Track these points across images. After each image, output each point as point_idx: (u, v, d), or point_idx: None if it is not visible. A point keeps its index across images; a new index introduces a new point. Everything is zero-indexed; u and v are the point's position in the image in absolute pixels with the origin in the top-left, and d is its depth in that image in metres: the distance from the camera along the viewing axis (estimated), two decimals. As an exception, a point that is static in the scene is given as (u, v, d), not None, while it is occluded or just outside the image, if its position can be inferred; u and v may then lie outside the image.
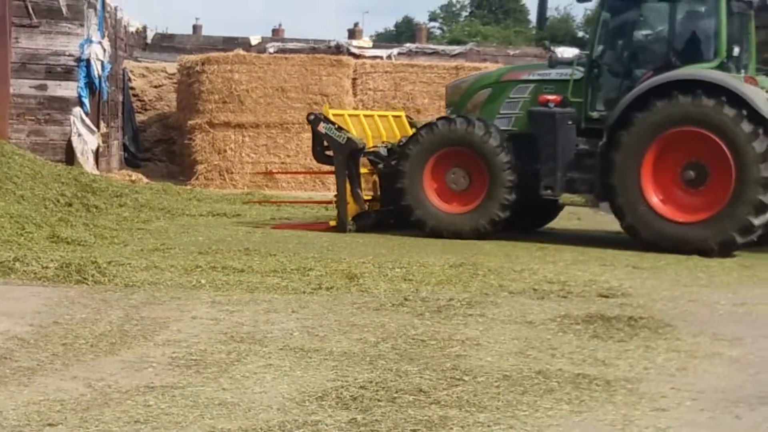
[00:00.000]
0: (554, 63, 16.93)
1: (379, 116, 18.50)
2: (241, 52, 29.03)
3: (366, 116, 18.14)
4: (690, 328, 9.32)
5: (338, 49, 33.34)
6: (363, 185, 17.06)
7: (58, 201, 16.65)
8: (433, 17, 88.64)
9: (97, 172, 21.56)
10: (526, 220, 17.32)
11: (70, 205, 16.55)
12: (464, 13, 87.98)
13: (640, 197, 15.35)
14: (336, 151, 16.72)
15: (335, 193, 17.04)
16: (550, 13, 76.41)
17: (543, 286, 11.26)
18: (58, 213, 15.42)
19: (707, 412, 6.61)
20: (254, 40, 34.95)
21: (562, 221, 19.62)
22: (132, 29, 32.79)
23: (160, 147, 30.91)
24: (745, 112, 14.86)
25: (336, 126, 16.65)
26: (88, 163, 22.23)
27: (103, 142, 24.13)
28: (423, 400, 6.62)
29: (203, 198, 21.30)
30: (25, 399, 6.40)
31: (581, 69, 16.49)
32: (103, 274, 10.87)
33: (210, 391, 6.71)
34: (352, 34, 45.22)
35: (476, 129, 16.22)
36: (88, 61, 23.10)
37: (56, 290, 10.23)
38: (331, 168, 17.14)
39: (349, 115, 17.68)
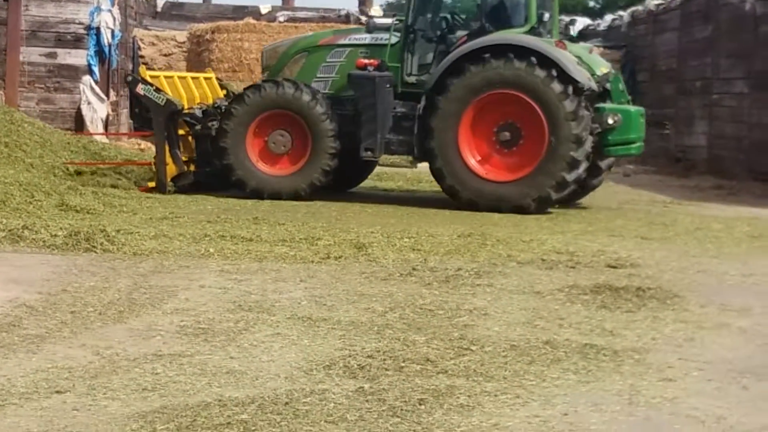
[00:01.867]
0: (372, 28, 17.36)
1: (192, 78, 18.25)
2: (251, 20, 28.99)
3: (180, 78, 17.91)
4: (698, 298, 9.31)
5: (348, 18, 33.20)
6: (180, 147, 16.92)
7: (67, 169, 16.66)
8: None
9: (106, 141, 21.54)
10: (340, 182, 17.41)
11: (79, 173, 16.59)
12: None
13: (458, 159, 15.84)
14: (155, 113, 16.54)
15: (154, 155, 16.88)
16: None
17: (551, 257, 11.25)
18: (67, 181, 15.42)
19: (714, 383, 6.62)
20: (264, 9, 34.82)
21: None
22: (142, -4, 32.72)
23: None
24: (554, 73, 15.47)
25: (154, 87, 16.52)
26: (97, 132, 22.22)
27: (113, 110, 24.11)
28: (430, 369, 6.63)
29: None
30: (34, 366, 6.42)
31: (397, 34, 16.75)
32: (111, 242, 10.88)
33: (218, 359, 6.73)
34: (363, 2, 44.99)
35: (304, 94, 16.36)
36: (98, 29, 23.07)
37: (65, 258, 10.25)
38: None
39: (165, 77, 17.46)
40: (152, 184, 16.52)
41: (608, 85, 16.86)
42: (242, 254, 10.79)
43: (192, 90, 17.68)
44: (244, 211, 14.53)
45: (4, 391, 5.93)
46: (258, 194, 16.28)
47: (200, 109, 17.17)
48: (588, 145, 15.72)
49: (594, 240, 12.85)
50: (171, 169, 16.54)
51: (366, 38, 17.15)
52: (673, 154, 26.95)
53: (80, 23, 22.63)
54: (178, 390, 6.05)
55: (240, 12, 33.65)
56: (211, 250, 10.93)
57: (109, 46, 23.69)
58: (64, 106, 22.38)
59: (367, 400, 5.96)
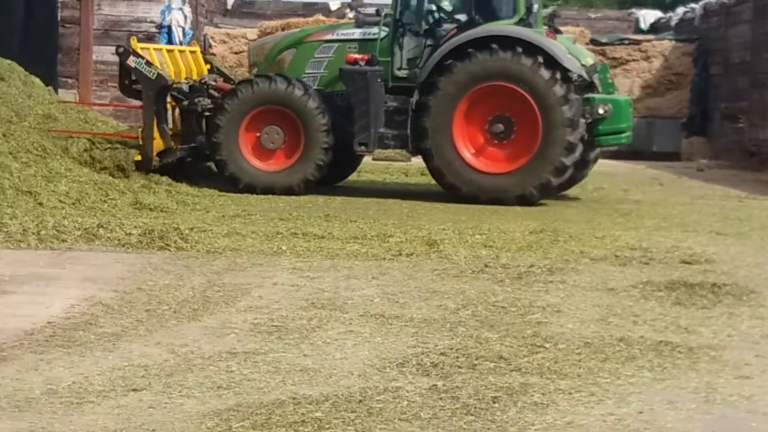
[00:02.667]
0: (361, 23, 17.38)
1: (179, 51, 18.09)
2: (321, 17, 29.04)
3: (168, 51, 17.75)
4: (775, 295, 9.20)
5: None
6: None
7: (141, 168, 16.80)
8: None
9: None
10: (329, 176, 17.23)
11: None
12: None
13: (455, 156, 15.92)
14: (145, 87, 16.42)
15: (141, 127, 16.73)
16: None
17: (625, 253, 11.17)
18: (141, 180, 15.56)
19: (792, 381, 6.54)
20: (334, 6, 34.90)
21: (644, 186, 19.47)
22: (213, -5, 32.93)
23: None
24: (541, 60, 15.64)
25: (146, 61, 16.39)
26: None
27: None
28: (504, 367, 6.61)
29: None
30: (110, 364, 6.48)
31: (386, 29, 16.73)
32: (185, 240, 10.97)
33: (291, 357, 6.76)
34: None
35: (296, 89, 16.34)
36: (169, 27, 23.32)
37: (139, 256, 10.35)
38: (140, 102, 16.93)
39: (154, 49, 17.30)
40: (138, 158, 16.35)
41: (596, 76, 16.89)
42: (314, 251, 10.82)
43: (179, 64, 17.54)
44: (315, 208, 14.57)
45: (81, 389, 5.99)
46: (251, 189, 16.25)
47: (187, 84, 17.10)
48: (582, 127, 15.88)
49: (668, 236, 12.73)
50: (158, 144, 16.42)
51: (354, 33, 17.17)
52: (747, 148, 26.61)
53: (152, 22, 22.87)
54: (252, 388, 6.09)
55: (310, 9, 33.75)
56: (284, 247, 10.97)
57: (181, 44, 23.87)
58: (137, 104, 22.55)
59: (440, 398, 5.95)
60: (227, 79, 17.81)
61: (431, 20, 16.99)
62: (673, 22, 32.80)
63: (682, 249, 11.54)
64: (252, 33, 30.79)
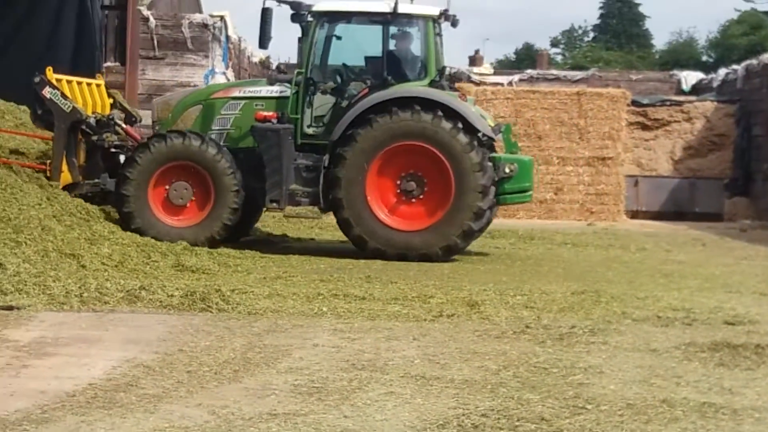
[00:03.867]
0: (273, 80, 17.59)
1: (86, 84, 17.81)
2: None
3: (77, 83, 17.49)
4: (820, 356, 9.10)
5: (459, 77, 33.34)
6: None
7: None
8: (554, 43, 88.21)
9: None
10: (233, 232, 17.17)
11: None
12: (586, 39, 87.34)
13: (366, 209, 16.15)
14: (59, 119, 16.35)
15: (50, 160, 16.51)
16: (673, 37, 75.60)
17: (667, 314, 11.09)
18: (183, 242, 15.65)
19: (838, 443, 6.46)
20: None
21: (687, 246, 19.36)
22: (255, 59, 33.20)
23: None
24: (460, 125, 16.07)
25: (61, 93, 16.35)
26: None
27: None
28: (545, 428, 6.57)
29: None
30: (151, 426, 6.49)
31: (295, 87, 16.83)
32: (226, 301, 10.99)
33: (332, 418, 6.74)
34: (473, 61, 45.19)
35: (209, 147, 16.40)
36: (212, 91, 23.42)
37: (181, 318, 10.38)
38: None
39: (66, 81, 17.13)
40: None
41: (500, 136, 17.36)
42: (355, 313, 10.82)
43: (86, 97, 17.49)
44: (356, 269, 14.58)
45: (122, 450, 6.00)
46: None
47: (95, 118, 17.07)
48: (492, 194, 16.29)
49: (711, 296, 12.65)
50: (65, 177, 16.40)
51: (261, 91, 17.27)
52: (791, 209, 26.49)
53: (195, 86, 23.05)
54: (292, 449, 6.07)
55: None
56: (325, 308, 10.98)
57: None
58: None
59: (481, 460, 5.92)
60: (129, 114, 17.82)
61: (341, 79, 17.15)
62: (715, 84, 32.78)
63: (725, 310, 11.46)
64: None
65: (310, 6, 17.01)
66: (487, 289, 12.49)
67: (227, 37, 25.63)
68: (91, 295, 11.03)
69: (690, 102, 30.69)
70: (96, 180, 16.81)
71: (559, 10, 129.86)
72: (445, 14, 17.13)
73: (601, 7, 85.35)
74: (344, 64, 17.35)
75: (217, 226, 16.34)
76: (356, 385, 7.66)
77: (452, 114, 16.15)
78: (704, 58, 70.16)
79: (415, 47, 17.20)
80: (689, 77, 34.42)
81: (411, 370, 8.19)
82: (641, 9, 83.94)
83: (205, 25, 24.89)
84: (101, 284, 11.42)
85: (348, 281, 13.10)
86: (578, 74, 36.32)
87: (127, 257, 13.81)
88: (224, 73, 24.65)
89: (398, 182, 16.39)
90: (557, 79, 34.99)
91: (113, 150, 17.02)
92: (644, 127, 30.85)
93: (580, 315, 10.94)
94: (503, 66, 70.65)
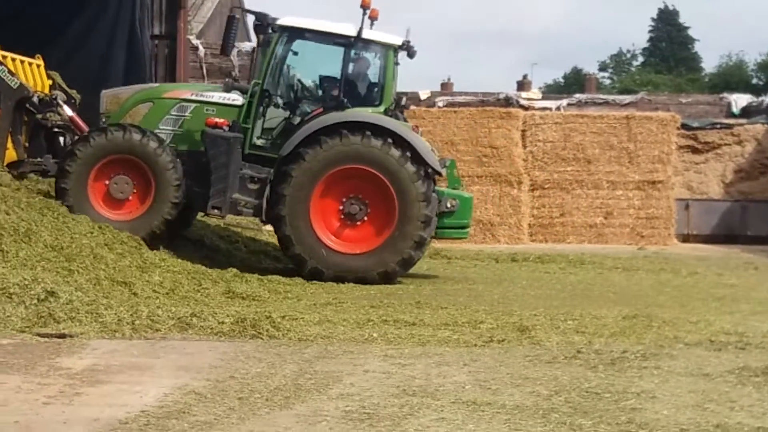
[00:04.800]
0: (229, 88, 17.52)
1: (29, 63, 17.81)
2: (411, 106, 29.26)
3: (20, 61, 17.52)
4: None
5: (507, 102, 33.30)
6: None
7: (233, 257, 17.00)
8: (602, 67, 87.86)
9: (270, 228, 21.88)
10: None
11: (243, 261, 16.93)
12: (635, 63, 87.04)
13: (308, 229, 16.27)
14: (6, 95, 16.35)
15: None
16: (722, 60, 75.15)
17: (720, 338, 11.01)
18: (234, 269, 15.72)
19: None
20: (423, 95, 35.16)
21: (738, 270, 19.20)
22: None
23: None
24: (409, 155, 16.35)
25: (8, 69, 16.30)
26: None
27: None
28: (598, 454, 6.52)
29: None
30: (203, 452, 6.50)
31: (247, 96, 16.91)
32: (277, 328, 11.01)
33: (383, 444, 6.72)
34: (521, 86, 45.06)
35: (150, 141, 16.45)
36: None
37: (232, 345, 10.40)
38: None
39: (11, 59, 17.12)
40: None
41: (444, 171, 17.38)
42: (405, 339, 10.80)
43: (27, 75, 17.45)
44: (406, 295, 14.58)
45: (174, 476, 6.02)
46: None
47: (37, 96, 17.03)
48: (434, 225, 16.49)
49: (764, 320, 12.53)
50: (10, 155, 16.42)
51: (213, 96, 17.31)
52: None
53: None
54: (344, 475, 6.06)
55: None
56: (375, 334, 10.97)
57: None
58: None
59: (533, 486, 5.88)
60: (69, 96, 17.78)
61: (296, 96, 17.28)
62: (765, 106, 32.55)
63: (779, 334, 11.35)
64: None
65: (275, 19, 17.15)
66: (537, 314, 12.45)
67: (276, 65, 25.74)
68: (143, 322, 11.08)
69: (740, 125, 30.53)
70: (39, 159, 16.89)
71: (608, 34, 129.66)
72: (406, 44, 17.27)
73: (650, 31, 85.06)
74: (301, 81, 17.49)
75: (158, 221, 16.36)
76: (407, 411, 7.65)
77: (402, 143, 16.35)
78: (754, 80, 69.67)
79: (373, 74, 17.35)
80: (739, 100, 34.18)
81: (462, 395, 8.17)
82: (690, 32, 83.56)
83: (253, 53, 25.01)
84: (153, 312, 11.47)
85: (398, 307, 13.10)
86: (627, 98, 36.15)
87: (178, 284, 13.90)
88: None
89: (341, 205, 16.55)
90: (606, 103, 34.85)
91: (56, 130, 17.03)
92: (694, 151, 30.71)
93: (632, 340, 10.88)
94: (551, 90, 70.47)
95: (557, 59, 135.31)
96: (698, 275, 18.62)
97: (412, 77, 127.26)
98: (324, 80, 17.64)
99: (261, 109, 16.95)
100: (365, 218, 16.57)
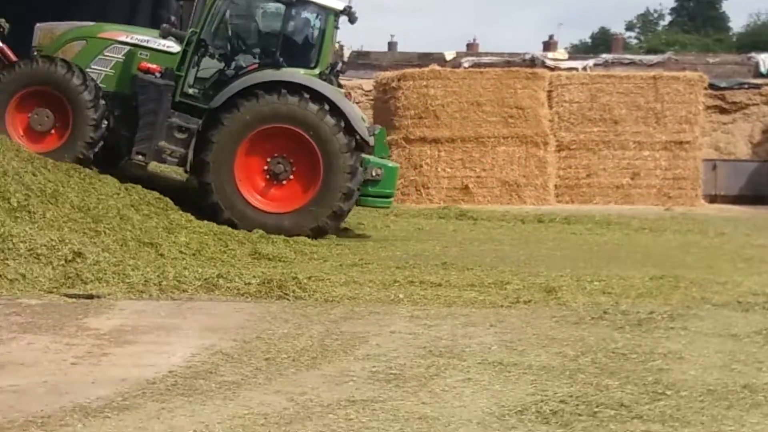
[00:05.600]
0: (166, 34, 17.16)
1: None
2: (436, 67, 29.19)
3: None
4: None
5: (533, 62, 33.21)
6: None
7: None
8: (629, 27, 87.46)
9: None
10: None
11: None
12: (662, 23, 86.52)
13: (231, 181, 16.25)
14: None
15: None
16: (751, 19, 74.59)
17: (747, 298, 10.96)
18: (259, 230, 15.73)
19: None
20: (449, 55, 35.11)
21: (766, 231, 19.11)
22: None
23: (357, 163, 31.29)
24: (327, 107, 16.22)
25: None
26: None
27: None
28: (624, 414, 6.51)
29: (400, 213, 21.47)
30: (230, 413, 6.52)
31: (183, 44, 16.75)
32: (303, 289, 11.02)
33: (410, 405, 6.73)
34: (547, 46, 44.93)
35: (74, 77, 16.38)
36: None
37: (258, 306, 10.43)
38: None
39: None
40: None
41: (372, 139, 17.23)
42: (431, 299, 10.80)
43: None
44: (432, 256, 14.57)
45: (202, 436, 6.04)
46: None
47: None
48: (360, 175, 16.41)
49: (792, 281, 12.48)
50: None
51: (149, 41, 17.12)
52: None
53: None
54: (371, 436, 6.08)
55: (425, 59, 33.95)
56: (401, 295, 10.97)
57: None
58: None
59: (560, 446, 5.88)
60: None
61: (233, 49, 17.19)
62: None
63: (807, 294, 11.30)
64: (367, 84, 31.14)
65: None
66: (564, 275, 12.42)
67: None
68: (170, 283, 11.11)
69: (768, 84, 30.31)
70: None
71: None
72: (348, 10, 17.25)
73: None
74: (239, 35, 17.40)
75: (70, 158, 16.14)
76: (434, 371, 7.65)
77: (321, 98, 16.28)
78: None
79: (312, 36, 17.26)
80: (767, 60, 33.95)
81: (488, 356, 8.17)
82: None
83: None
84: (179, 273, 11.51)
85: (424, 268, 13.09)
86: (654, 58, 36.00)
87: (204, 245, 13.93)
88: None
89: (266, 165, 16.45)
90: (633, 63, 34.71)
91: None
92: (722, 111, 30.57)
93: (659, 300, 10.85)
94: (578, 51, 70.08)
95: (584, 19, 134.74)
96: (725, 236, 18.54)
97: (437, 38, 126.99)
98: (262, 36, 17.54)
99: (196, 58, 16.85)
100: (291, 177, 16.47)
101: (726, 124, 30.56)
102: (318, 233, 16.24)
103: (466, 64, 33.51)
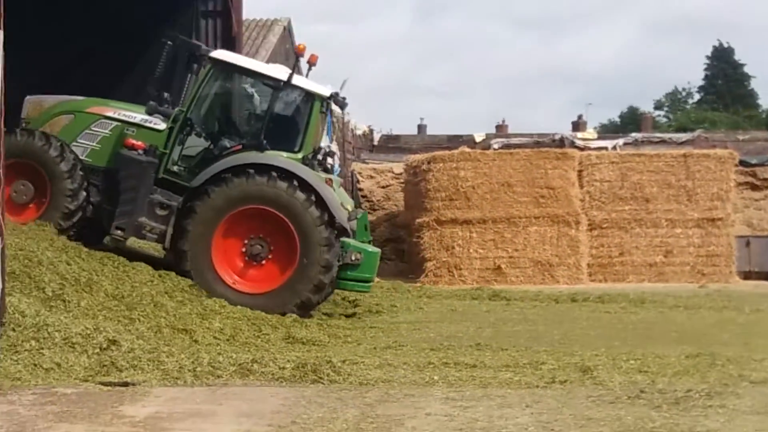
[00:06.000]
0: (152, 111, 17.24)
1: None
2: (466, 149, 29.32)
3: None
4: None
5: (562, 142, 33.34)
6: None
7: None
8: (658, 105, 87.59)
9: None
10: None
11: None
12: (690, 101, 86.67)
13: (209, 267, 16.21)
14: None
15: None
16: None
17: (786, 375, 10.87)
18: (293, 314, 15.76)
19: None
20: (478, 137, 35.31)
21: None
22: (359, 132, 33.55)
23: (389, 246, 31.38)
24: (314, 199, 16.29)
25: None
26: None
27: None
28: (664, 494, 6.46)
29: (433, 295, 21.44)
30: (267, 498, 6.50)
31: (169, 122, 16.89)
32: (337, 373, 11.01)
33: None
34: (576, 126, 45.10)
35: (52, 149, 16.60)
36: (317, 165, 23.69)
37: (293, 390, 10.41)
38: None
39: None
40: None
41: (354, 223, 17.28)
42: (466, 381, 10.76)
43: None
44: (466, 337, 14.53)
45: None
46: None
47: None
48: (334, 271, 16.33)
49: (830, 356, 12.36)
50: None
51: (136, 117, 17.24)
52: None
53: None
54: None
55: (455, 141, 34.15)
56: (436, 377, 10.94)
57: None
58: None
59: None
60: None
61: (219, 129, 17.31)
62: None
63: None
64: (398, 167, 31.28)
65: (208, 51, 17.36)
66: (599, 354, 12.36)
67: (331, 111, 25.84)
68: (204, 369, 11.12)
69: (799, 160, 30.30)
70: None
71: (662, 72, 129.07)
72: (335, 96, 17.50)
73: (705, 69, 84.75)
74: (225, 115, 17.58)
75: (58, 215, 16.40)
76: (470, 453, 7.61)
77: (319, 199, 16.34)
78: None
79: (297, 120, 17.34)
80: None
81: (525, 437, 8.12)
82: (746, 69, 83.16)
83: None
84: (214, 358, 11.52)
85: (458, 349, 13.06)
86: (684, 136, 36.08)
87: (238, 331, 13.96)
88: (329, 146, 24.86)
89: (244, 246, 16.46)
90: (663, 141, 34.80)
91: None
92: (753, 187, 30.51)
93: (696, 378, 10.77)
94: (607, 130, 70.27)
95: (612, 99, 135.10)
96: (761, 312, 18.42)
97: (467, 120, 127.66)
98: (248, 118, 17.69)
99: (181, 136, 16.99)
100: (268, 258, 16.50)
101: (758, 200, 30.51)
102: (303, 308, 16.24)
103: (495, 146, 33.66)
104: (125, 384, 10.48)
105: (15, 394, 9.70)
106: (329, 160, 18.20)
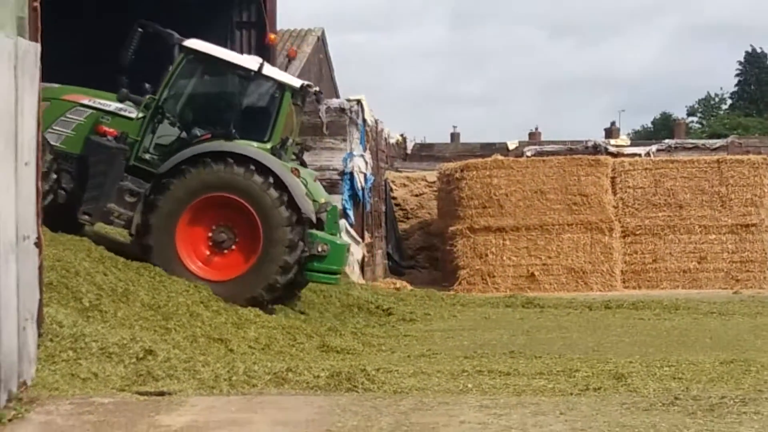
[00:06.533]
0: (123, 98, 17.30)
1: None
2: (499, 157, 29.35)
3: None
4: None
5: (596, 149, 33.28)
6: None
7: (327, 311, 17.13)
8: (691, 112, 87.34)
9: (363, 282, 22.02)
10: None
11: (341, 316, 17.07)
12: (723, 106, 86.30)
13: (174, 255, 16.31)
14: None
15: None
16: None
17: (820, 381, 10.84)
18: (328, 323, 15.83)
19: None
20: (511, 145, 35.30)
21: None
22: (392, 141, 33.58)
23: (422, 254, 31.45)
24: (271, 181, 16.36)
25: None
26: (354, 274, 22.73)
27: (368, 251, 24.64)
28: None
29: (467, 303, 21.47)
30: (303, 505, 6.56)
31: (141, 109, 16.98)
32: (372, 381, 11.04)
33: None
34: (609, 133, 45.05)
35: None
36: (351, 174, 23.86)
37: (328, 398, 10.45)
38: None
39: None
40: None
41: (324, 215, 17.28)
42: (500, 388, 10.78)
43: None
44: (500, 345, 14.56)
45: None
46: None
47: None
48: (300, 250, 16.49)
49: None
50: None
51: (110, 105, 17.29)
52: None
53: (334, 169, 23.41)
54: None
55: (488, 149, 34.15)
56: (470, 385, 10.96)
57: (363, 189, 24.38)
58: (322, 250, 22.98)
59: None
60: None
61: (190, 118, 17.32)
62: None
63: None
64: (431, 175, 31.33)
65: (181, 40, 17.32)
66: (633, 361, 12.36)
67: (364, 120, 25.95)
68: (240, 378, 11.18)
69: (834, 164, 30.10)
70: None
71: (695, 78, 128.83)
72: (306, 88, 17.56)
73: (737, 74, 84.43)
74: (195, 104, 17.61)
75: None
76: (504, 460, 7.64)
77: (279, 183, 16.43)
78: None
79: (267, 110, 17.37)
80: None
81: (559, 444, 8.14)
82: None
83: (342, 110, 25.32)
84: (249, 367, 11.57)
85: (492, 357, 13.09)
86: (717, 142, 35.95)
87: (273, 340, 14.03)
88: (362, 156, 24.96)
89: (210, 233, 16.57)
90: (696, 147, 34.68)
91: None
92: (787, 193, 30.35)
93: (730, 385, 10.75)
94: (640, 137, 70.15)
95: (645, 105, 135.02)
96: (796, 318, 18.36)
97: (500, 128, 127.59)
98: (219, 107, 17.74)
99: (153, 124, 17.11)
100: (233, 247, 16.59)
101: (792, 205, 30.38)
102: (253, 304, 16.17)
103: (528, 153, 33.65)
104: (161, 393, 10.55)
105: (52, 404, 9.79)
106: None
